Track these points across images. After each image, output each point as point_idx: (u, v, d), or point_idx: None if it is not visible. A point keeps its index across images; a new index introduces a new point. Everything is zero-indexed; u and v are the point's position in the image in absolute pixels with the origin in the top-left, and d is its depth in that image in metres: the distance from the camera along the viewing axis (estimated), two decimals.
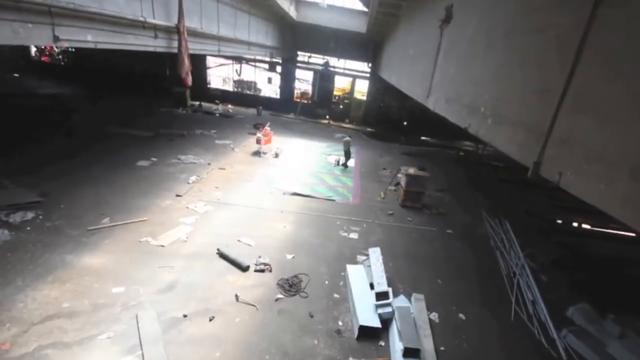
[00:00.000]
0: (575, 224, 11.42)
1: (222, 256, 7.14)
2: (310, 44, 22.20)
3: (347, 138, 14.19)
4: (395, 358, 5.36)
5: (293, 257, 7.56)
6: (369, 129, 22.26)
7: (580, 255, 9.15)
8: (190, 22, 8.63)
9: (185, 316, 5.60)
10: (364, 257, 7.74)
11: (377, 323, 5.85)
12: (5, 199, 7.84)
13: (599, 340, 6.15)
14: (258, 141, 13.82)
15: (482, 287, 7.58)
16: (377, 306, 6.10)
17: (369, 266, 7.09)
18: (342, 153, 14.33)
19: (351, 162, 14.71)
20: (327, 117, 23.06)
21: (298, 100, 23.78)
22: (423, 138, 22.16)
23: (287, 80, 23.44)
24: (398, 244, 8.84)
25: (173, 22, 7.81)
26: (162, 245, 7.23)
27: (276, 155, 14.31)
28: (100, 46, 6.04)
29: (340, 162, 14.17)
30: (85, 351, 4.84)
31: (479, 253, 8.98)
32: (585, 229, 11.21)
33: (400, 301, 6.46)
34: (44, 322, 5.14)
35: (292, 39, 21.60)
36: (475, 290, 7.45)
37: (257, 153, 13.97)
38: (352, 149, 14.96)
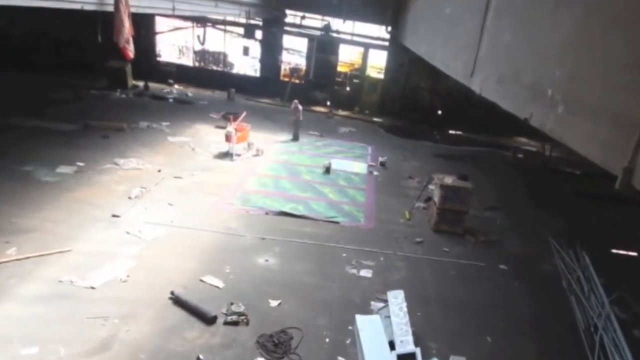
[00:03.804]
0: None
1: (178, 302, 7.09)
2: None
3: (297, 105, 16.50)
4: None
5: (279, 303, 7.52)
6: (387, 121, 22.41)
7: None
8: None
9: None
10: (381, 304, 7.70)
11: None
12: None
13: None
14: (228, 138, 13.85)
15: (549, 346, 7.55)
16: None
17: (388, 317, 7.06)
18: (351, 154, 14.31)
19: (360, 168, 14.76)
20: (328, 103, 23.19)
21: (286, 79, 23.95)
22: (464, 134, 22.30)
23: (271, 52, 23.62)
24: (430, 285, 8.82)
25: None
26: (92, 287, 7.17)
27: (256, 155, 14.35)
28: (3, 2, 6.06)
29: (344, 172, 14.20)
30: None
31: (545, 298, 8.96)
32: None
33: None
34: None
35: None
36: (539, 350, 7.41)
37: (226, 155, 14.01)
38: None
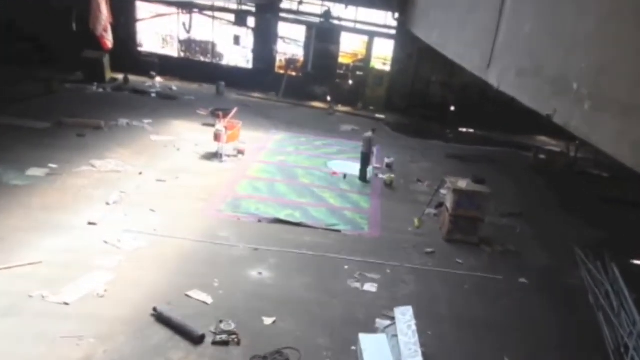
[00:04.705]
0: None
1: (162, 320, 7.07)
2: None
3: (369, 134, 13.92)
4: None
5: (274, 321, 7.51)
6: (394, 118, 22.41)
7: None
8: None
9: None
10: (387, 322, 7.69)
11: None
12: None
13: None
14: (217, 137, 13.85)
15: None
16: None
17: (396, 336, 7.05)
18: (354, 155, 14.28)
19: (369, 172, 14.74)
20: (329, 98, 23.20)
21: (282, 72, 23.97)
22: (480, 133, 22.29)
23: (265, 41, 23.61)
24: (442, 300, 8.81)
25: None
26: (66, 303, 7.15)
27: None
28: None
29: (349, 175, 14.15)
30: None
31: (569, 315, 8.95)
32: None
33: None
34: None
35: None
36: None
37: (215, 156, 14.00)
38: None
